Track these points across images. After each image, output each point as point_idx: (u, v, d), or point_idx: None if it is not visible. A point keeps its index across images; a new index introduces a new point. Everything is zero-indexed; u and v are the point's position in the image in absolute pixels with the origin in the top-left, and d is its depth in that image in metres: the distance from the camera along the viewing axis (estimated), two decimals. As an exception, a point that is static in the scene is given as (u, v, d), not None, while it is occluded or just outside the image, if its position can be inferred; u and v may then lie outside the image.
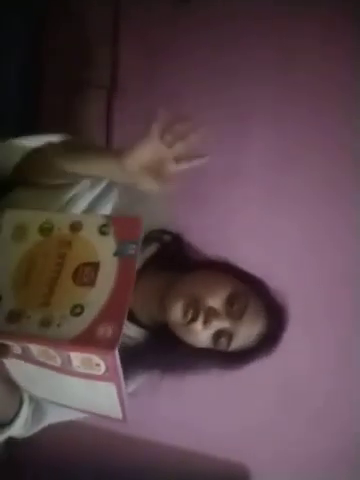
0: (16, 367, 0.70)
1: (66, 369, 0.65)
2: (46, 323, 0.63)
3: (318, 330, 1.43)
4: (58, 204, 0.86)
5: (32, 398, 0.83)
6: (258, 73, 1.42)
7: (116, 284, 0.64)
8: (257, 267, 0.94)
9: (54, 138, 0.92)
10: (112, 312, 0.62)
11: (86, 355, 0.62)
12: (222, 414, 1.47)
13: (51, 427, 0.92)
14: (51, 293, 0.66)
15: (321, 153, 1.41)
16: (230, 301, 0.86)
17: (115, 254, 0.67)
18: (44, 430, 0.91)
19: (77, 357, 0.63)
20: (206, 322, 0.84)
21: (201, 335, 0.86)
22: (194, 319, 0.84)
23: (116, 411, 0.70)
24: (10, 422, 0.81)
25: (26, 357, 0.66)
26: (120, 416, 0.71)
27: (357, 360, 1.43)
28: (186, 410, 1.48)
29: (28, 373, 0.71)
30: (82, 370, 0.64)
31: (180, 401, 1.46)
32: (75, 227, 0.70)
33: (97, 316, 0.62)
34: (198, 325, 0.84)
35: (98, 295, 0.64)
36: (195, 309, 0.84)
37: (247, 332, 0.88)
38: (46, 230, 0.71)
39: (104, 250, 0.68)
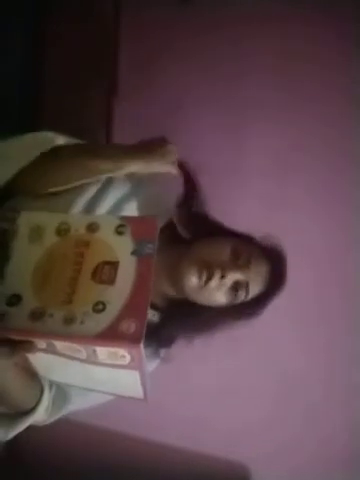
0: (36, 356, 0.71)
1: (91, 361, 0.68)
2: (69, 321, 0.65)
3: (312, 329, 1.43)
4: (76, 209, 0.88)
5: (53, 385, 0.86)
6: (258, 77, 1.43)
7: (136, 282, 0.67)
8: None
9: (60, 140, 0.93)
10: (134, 308, 0.64)
11: (112, 349, 0.64)
12: (222, 414, 1.47)
13: (51, 426, 0.93)
14: (72, 291, 0.67)
15: (320, 158, 1.41)
16: (235, 255, 0.94)
17: (133, 253, 0.69)
18: (44, 429, 0.92)
19: (103, 351, 0.65)
20: (223, 276, 0.91)
21: (219, 293, 0.92)
22: (210, 277, 0.91)
23: (138, 392, 0.73)
24: (31, 410, 0.83)
25: (51, 351, 0.68)
26: (142, 396, 0.74)
27: (352, 356, 1.43)
28: (186, 410, 1.48)
29: (49, 362, 0.72)
30: (108, 361, 0.67)
31: (180, 401, 1.47)
32: (92, 228, 0.72)
33: (120, 312, 0.64)
34: (216, 281, 0.91)
35: (119, 292, 0.66)
36: (208, 269, 0.91)
37: (258, 277, 0.96)
38: (63, 231, 0.73)
39: (122, 249, 0.70)
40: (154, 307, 0.97)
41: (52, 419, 0.90)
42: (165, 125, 1.48)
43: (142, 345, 0.62)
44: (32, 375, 0.78)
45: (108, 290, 0.67)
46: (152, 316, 0.97)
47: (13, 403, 0.82)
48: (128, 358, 0.65)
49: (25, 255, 0.72)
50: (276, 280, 0.99)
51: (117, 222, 0.72)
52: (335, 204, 1.42)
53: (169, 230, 0.99)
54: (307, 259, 1.42)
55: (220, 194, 1.45)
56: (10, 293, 0.68)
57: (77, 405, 0.91)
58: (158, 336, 0.95)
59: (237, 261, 0.93)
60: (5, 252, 0.72)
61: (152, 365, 0.99)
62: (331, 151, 1.41)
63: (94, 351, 0.65)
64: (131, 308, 0.64)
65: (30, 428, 0.88)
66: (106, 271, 0.68)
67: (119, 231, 0.71)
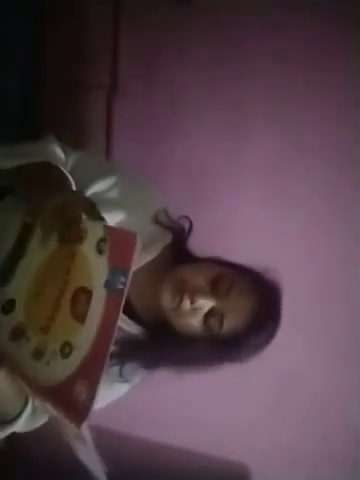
0: None
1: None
2: (38, 355, 0.62)
3: (313, 329, 1.44)
4: None
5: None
6: (258, 76, 1.42)
7: (100, 328, 0.59)
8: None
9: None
10: (90, 367, 0.58)
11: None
12: (222, 413, 1.48)
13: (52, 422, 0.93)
14: (52, 318, 0.64)
15: (320, 155, 1.41)
16: (215, 282, 0.89)
17: (105, 285, 0.61)
18: (44, 426, 0.93)
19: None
20: (193, 301, 0.87)
21: (191, 318, 0.89)
22: (181, 300, 0.88)
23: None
24: (15, 418, 0.83)
25: None
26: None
27: (352, 356, 1.44)
28: (186, 410, 1.48)
29: None
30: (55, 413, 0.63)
31: (180, 401, 1.47)
32: (81, 235, 0.66)
33: (78, 367, 0.59)
34: (186, 304, 0.87)
35: (85, 338, 0.60)
36: (181, 291, 0.88)
37: (237, 309, 0.89)
38: (61, 235, 0.67)
39: (97, 276, 0.62)
40: (139, 322, 0.94)
41: (32, 428, 0.90)
42: (165, 125, 1.49)
43: (85, 425, 0.56)
44: (17, 385, 0.75)
45: (78, 330, 0.61)
46: (135, 330, 0.93)
47: None
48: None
49: (34, 257, 0.68)
50: (261, 319, 0.89)
51: (101, 233, 0.63)
52: (337, 202, 1.42)
53: (171, 249, 0.98)
54: (308, 258, 1.42)
55: (220, 193, 1.46)
56: (8, 297, 0.66)
57: None
58: (137, 354, 0.92)
59: (216, 289, 0.88)
60: (24, 249, 0.68)
61: (123, 388, 0.96)
62: (331, 147, 1.41)
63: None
64: (88, 365, 0.58)
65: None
66: (81, 303, 0.62)
67: (100, 247, 0.63)
